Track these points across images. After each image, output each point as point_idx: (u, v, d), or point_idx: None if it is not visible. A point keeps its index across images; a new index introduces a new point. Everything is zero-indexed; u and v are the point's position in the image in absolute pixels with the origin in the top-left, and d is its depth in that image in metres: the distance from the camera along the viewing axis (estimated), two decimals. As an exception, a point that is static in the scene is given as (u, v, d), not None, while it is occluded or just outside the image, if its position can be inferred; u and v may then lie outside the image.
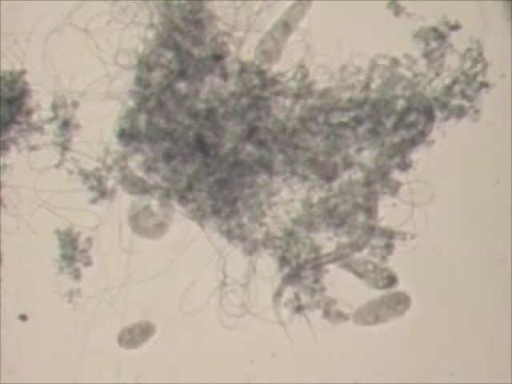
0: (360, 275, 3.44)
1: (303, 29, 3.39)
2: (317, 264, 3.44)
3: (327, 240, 3.45)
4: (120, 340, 3.46)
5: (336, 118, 3.38)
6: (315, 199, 3.43)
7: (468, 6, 3.35)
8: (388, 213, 3.42)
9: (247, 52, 3.41)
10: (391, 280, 3.46)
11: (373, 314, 3.46)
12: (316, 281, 3.44)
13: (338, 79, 3.38)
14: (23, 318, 3.47)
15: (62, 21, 3.37)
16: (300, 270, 3.44)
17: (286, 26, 3.41)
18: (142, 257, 3.43)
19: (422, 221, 3.39)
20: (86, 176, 3.43)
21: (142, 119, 3.40)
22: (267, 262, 3.46)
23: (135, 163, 3.44)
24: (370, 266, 3.44)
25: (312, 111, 3.38)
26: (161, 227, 3.45)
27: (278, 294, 3.45)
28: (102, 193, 3.44)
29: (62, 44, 3.39)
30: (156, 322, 3.48)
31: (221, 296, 3.43)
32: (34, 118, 3.44)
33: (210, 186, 3.39)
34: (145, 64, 3.38)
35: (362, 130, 3.38)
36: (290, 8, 3.42)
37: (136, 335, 3.47)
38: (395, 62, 3.36)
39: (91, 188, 3.43)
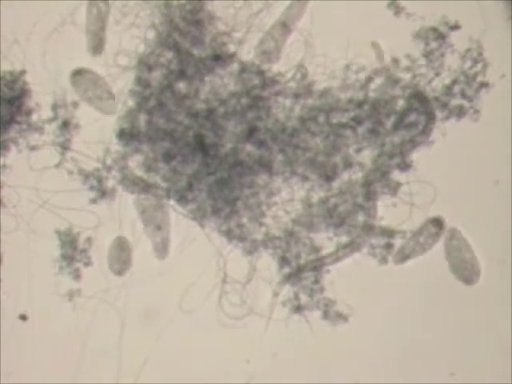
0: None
1: (303, 29, 3.39)
2: (317, 265, 3.44)
3: (327, 240, 3.45)
4: None
5: (336, 118, 3.38)
6: (315, 199, 3.43)
7: (468, 5, 3.35)
8: (388, 213, 3.42)
9: (247, 52, 3.41)
10: (438, 223, 3.41)
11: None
12: (316, 281, 3.44)
13: (338, 79, 3.38)
14: (23, 317, 3.47)
15: (61, 21, 3.38)
16: (300, 270, 3.44)
17: (284, 26, 3.41)
18: (143, 256, 3.43)
19: (422, 221, 3.40)
20: (86, 176, 3.43)
21: (142, 119, 3.40)
22: (267, 262, 3.46)
23: (135, 163, 3.44)
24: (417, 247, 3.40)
25: (312, 111, 3.38)
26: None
27: (275, 293, 3.44)
28: (102, 193, 3.44)
29: (62, 44, 3.39)
30: (156, 322, 3.48)
31: (221, 296, 3.43)
32: (34, 117, 3.44)
33: (210, 186, 3.39)
34: (145, 64, 3.39)
35: (361, 130, 3.38)
36: (287, 8, 3.42)
37: None
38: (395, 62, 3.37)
39: (91, 188, 3.43)
